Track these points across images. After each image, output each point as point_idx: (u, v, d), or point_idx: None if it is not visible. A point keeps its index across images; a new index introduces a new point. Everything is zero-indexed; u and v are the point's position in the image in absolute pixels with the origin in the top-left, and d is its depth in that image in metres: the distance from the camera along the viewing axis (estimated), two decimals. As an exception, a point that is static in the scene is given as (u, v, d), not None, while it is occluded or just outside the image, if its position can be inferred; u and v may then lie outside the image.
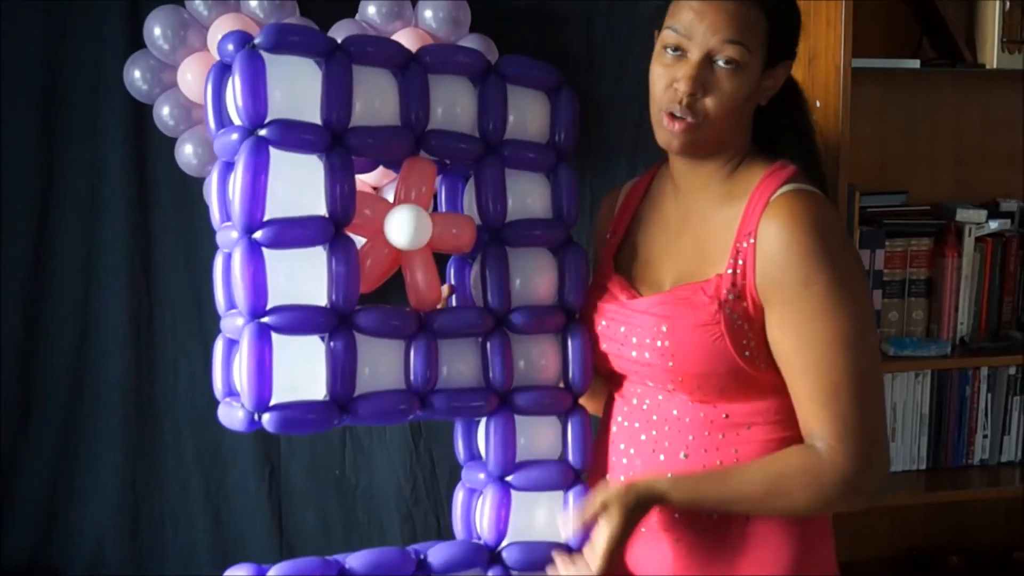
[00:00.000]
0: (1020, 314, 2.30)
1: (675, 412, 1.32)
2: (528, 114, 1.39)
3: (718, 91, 1.23)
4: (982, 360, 2.23)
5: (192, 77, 1.96)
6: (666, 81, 1.25)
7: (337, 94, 1.25)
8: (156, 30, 1.96)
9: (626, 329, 1.33)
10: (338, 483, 2.28)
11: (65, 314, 2.16)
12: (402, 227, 1.30)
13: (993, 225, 2.22)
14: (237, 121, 1.25)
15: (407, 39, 1.99)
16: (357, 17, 2.02)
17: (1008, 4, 2.11)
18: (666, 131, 1.26)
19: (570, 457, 1.40)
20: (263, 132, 1.22)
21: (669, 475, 1.28)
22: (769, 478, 1.24)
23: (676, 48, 1.24)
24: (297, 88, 1.25)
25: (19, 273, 2.13)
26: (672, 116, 1.25)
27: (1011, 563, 2.42)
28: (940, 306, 2.21)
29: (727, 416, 1.29)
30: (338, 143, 1.27)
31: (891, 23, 2.22)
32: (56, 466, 2.20)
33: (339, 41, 1.28)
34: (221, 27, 1.94)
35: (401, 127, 1.32)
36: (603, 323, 1.37)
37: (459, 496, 1.46)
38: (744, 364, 1.25)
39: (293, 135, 1.23)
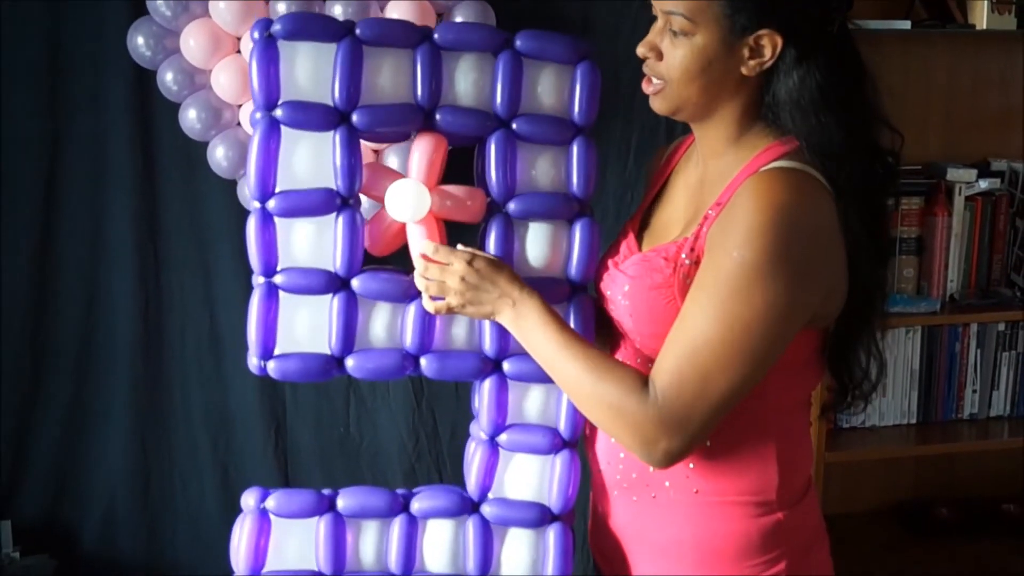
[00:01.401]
0: (1009, 272, 2.35)
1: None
2: (544, 88, 1.40)
3: (669, 57, 1.23)
4: (971, 316, 2.28)
5: (194, 43, 1.97)
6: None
7: (346, 75, 1.34)
8: None
9: (610, 287, 1.37)
10: (343, 440, 2.33)
11: (73, 279, 2.19)
12: (398, 201, 1.35)
13: (983, 184, 2.26)
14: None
15: (404, 3, 2.01)
16: None
17: (999, -35, 2.14)
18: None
19: (560, 425, 1.44)
20: (276, 113, 1.34)
21: (534, 302, 1.30)
22: (589, 371, 1.24)
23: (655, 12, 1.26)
24: (315, 71, 1.35)
25: (28, 240, 2.15)
26: (647, 79, 1.27)
27: (999, 515, 2.48)
28: (930, 264, 2.25)
29: None
30: (345, 122, 1.35)
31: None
32: (68, 427, 2.24)
33: (352, 24, 1.35)
34: None
35: (409, 104, 1.37)
36: (603, 280, 1.40)
37: (469, 448, 1.51)
38: None
39: (302, 115, 1.35)
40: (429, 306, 1.35)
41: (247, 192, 2.04)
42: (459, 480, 2.29)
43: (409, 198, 1.35)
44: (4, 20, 2.06)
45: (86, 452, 2.26)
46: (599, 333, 1.44)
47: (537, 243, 1.41)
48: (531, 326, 1.29)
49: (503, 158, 1.39)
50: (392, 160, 1.99)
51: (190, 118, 2.03)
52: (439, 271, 1.32)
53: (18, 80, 2.09)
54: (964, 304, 2.27)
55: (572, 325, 1.40)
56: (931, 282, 2.26)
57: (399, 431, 2.33)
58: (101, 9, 2.08)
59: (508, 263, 1.38)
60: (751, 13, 1.18)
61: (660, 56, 1.24)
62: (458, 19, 2.05)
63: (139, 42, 2.02)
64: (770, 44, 1.19)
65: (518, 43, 1.38)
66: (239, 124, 2.06)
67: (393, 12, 2.01)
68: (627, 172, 2.26)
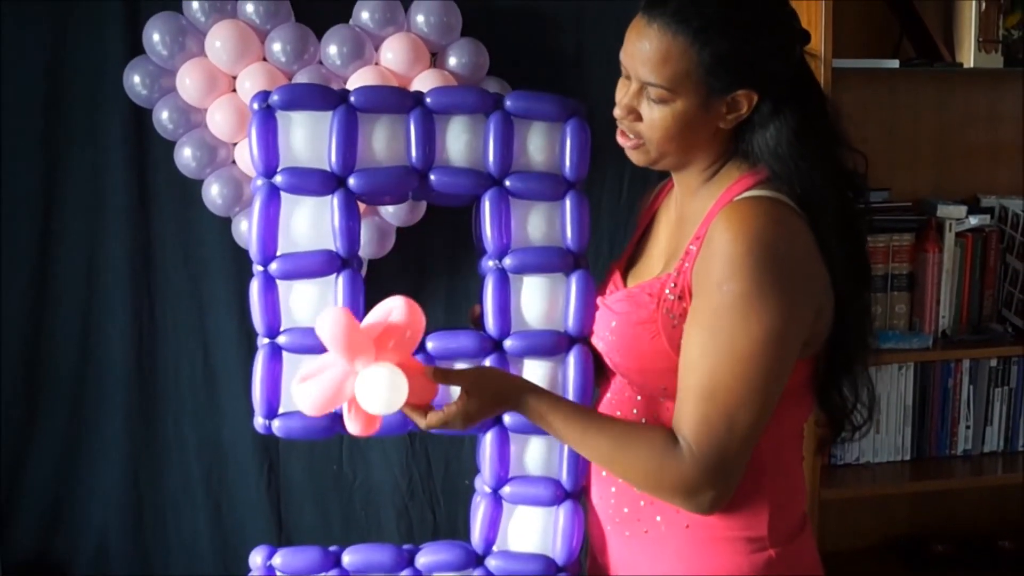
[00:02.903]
0: (1001, 307, 2.35)
1: (635, 411, 1.34)
2: (535, 146, 1.44)
3: (648, 120, 1.23)
4: (964, 352, 2.27)
5: (190, 82, 2.00)
6: (617, 99, 1.27)
7: (342, 142, 1.39)
8: (155, 36, 1.99)
9: (598, 323, 1.38)
10: (336, 478, 2.33)
11: (68, 312, 2.20)
12: (371, 395, 1.20)
13: (973, 221, 2.26)
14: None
15: (399, 45, 2.04)
16: (351, 22, 2.06)
17: (984, 4, 2.15)
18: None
19: (563, 477, 1.44)
20: (276, 180, 1.40)
21: (531, 398, 1.28)
22: (619, 444, 1.25)
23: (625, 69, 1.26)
24: (312, 138, 1.40)
25: (23, 272, 2.17)
26: (622, 132, 1.28)
27: (996, 551, 2.46)
28: (922, 300, 2.25)
29: None
30: (342, 186, 1.39)
31: (871, 24, 2.26)
32: (60, 462, 2.24)
33: (346, 93, 1.40)
34: (218, 32, 1.98)
35: (404, 167, 1.41)
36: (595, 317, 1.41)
37: (474, 501, 1.52)
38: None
39: (301, 181, 1.40)
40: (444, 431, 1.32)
41: (242, 230, 2.07)
42: (452, 518, 2.34)
43: (384, 389, 1.20)
44: (5, 55, 2.09)
45: (79, 485, 2.26)
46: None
47: (534, 297, 1.44)
48: (543, 418, 1.29)
49: (497, 215, 1.42)
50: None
51: (185, 156, 2.06)
52: (440, 424, 1.28)
53: (16, 115, 2.12)
54: (956, 340, 2.27)
55: (572, 376, 1.42)
56: (923, 318, 2.26)
57: (392, 469, 2.33)
58: (99, 47, 2.11)
59: (506, 318, 1.42)
60: (729, 77, 1.20)
61: (639, 117, 1.25)
62: (452, 59, 2.08)
63: (135, 80, 2.04)
64: (746, 100, 1.22)
65: (508, 103, 1.42)
66: (234, 162, 2.08)
67: (388, 52, 2.04)
68: (620, 210, 2.28)
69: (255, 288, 1.41)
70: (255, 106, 1.40)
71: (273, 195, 1.39)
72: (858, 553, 2.48)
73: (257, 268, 1.41)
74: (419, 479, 2.33)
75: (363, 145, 1.41)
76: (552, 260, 1.43)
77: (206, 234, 2.18)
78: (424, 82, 2.03)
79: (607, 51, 2.25)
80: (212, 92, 2.02)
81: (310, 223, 1.41)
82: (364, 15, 2.05)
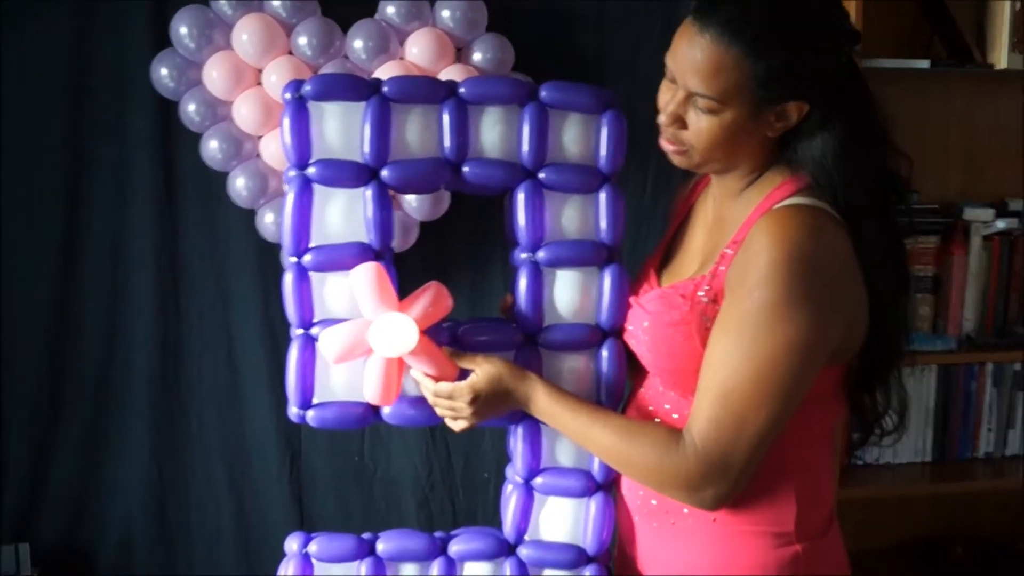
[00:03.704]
0: (1026, 311, 2.35)
1: (667, 407, 1.35)
2: (570, 138, 1.43)
3: (695, 128, 1.23)
4: (987, 356, 2.28)
5: (217, 75, 2.01)
6: (661, 104, 1.27)
7: (375, 133, 1.37)
8: (182, 29, 2.00)
9: (631, 322, 1.39)
10: (357, 469, 2.34)
11: (94, 305, 2.21)
12: (386, 339, 1.31)
13: (1000, 224, 2.26)
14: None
15: (424, 39, 2.04)
16: (376, 16, 2.07)
17: (1019, 5, 2.14)
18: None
19: (594, 469, 1.45)
20: (309, 171, 1.39)
21: (540, 390, 1.33)
22: (623, 440, 1.28)
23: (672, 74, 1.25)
24: (345, 129, 1.39)
25: (49, 266, 2.18)
26: (667, 139, 1.28)
27: (1016, 554, 2.48)
28: (947, 302, 2.26)
29: None
30: (375, 178, 1.39)
31: (902, 23, 2.26)
32: (86, 454, 2.26)
33: (379, 83, 1.38)
34: (245, 26, 1.99)
35: (437, 159, 1.40)
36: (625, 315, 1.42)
37: (505, 491, 1.53)
38: None
39: (334, 173, 1.39)
40: (453, 426, 1.38)
41: (267, 222, 2.08)
42: (472, 510, 2.35)
43: (394, 332, 1.31)
44: (33, 48, 2.09)
45: (104, 477, 2.28)
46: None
47: (567, 290, 1.43)
48: (549, 415, 1.34)
49: (531, 208, 1.41)
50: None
51: (211, 148, 2.06)
52: (448, 408, 1.35)
53: (42, 108, 2.12)
54: (980, 343, 2.27)
55: (604, 369, 1.44)
56: (947, 321, 2.26)
57: (413, 461, 2.35)
58: (126, 40, 2.11)
59: (538, 311, 1.42)
60: (781, 89, 1.19)
61: (684, 125, 1.24)
62: (476, 54, 2.08)
63: (163, 73, 2.05)
64: (796, 111, 1.21)
65: (543, 94, 1.40)
66: (259, 155, 2.09)
67: (413, 47, 2.04)
68: (644, 207, 2.27)
69: (288, 280, 1.40)
70: (287, 96, 1.38)
71: (306, 187, 1.38)
72: (878, 554, 2.49)
73: (291, 260, 1.40)
74: (439, 471, 2.35)
75: (396, 136, 1.39)
76: (586, 253, 1.42)
77: (231, 228, 2.19)
78: (449, 77, 2.03)
79: (631, 50, 2.28)
80: (239, 85, 2.02)
81: (343, 215, 1.40)
82: (390, 10, 2.05)
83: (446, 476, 2.36)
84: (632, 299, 1.41)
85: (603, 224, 1.42)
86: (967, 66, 2.17)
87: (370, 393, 1.36)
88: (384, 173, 1.38)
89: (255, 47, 2.00)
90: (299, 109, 1.37)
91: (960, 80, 2.34)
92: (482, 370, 1.34)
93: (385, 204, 1.39)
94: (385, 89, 1.38)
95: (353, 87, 1.39)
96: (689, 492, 1.24)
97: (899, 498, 2.48)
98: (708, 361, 1.23)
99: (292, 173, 1.39)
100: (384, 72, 2.01)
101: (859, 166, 1.22)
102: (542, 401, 1.34)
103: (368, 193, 1.38)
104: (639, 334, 1.36)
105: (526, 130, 1.40)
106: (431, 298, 1.34)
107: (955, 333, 2.26)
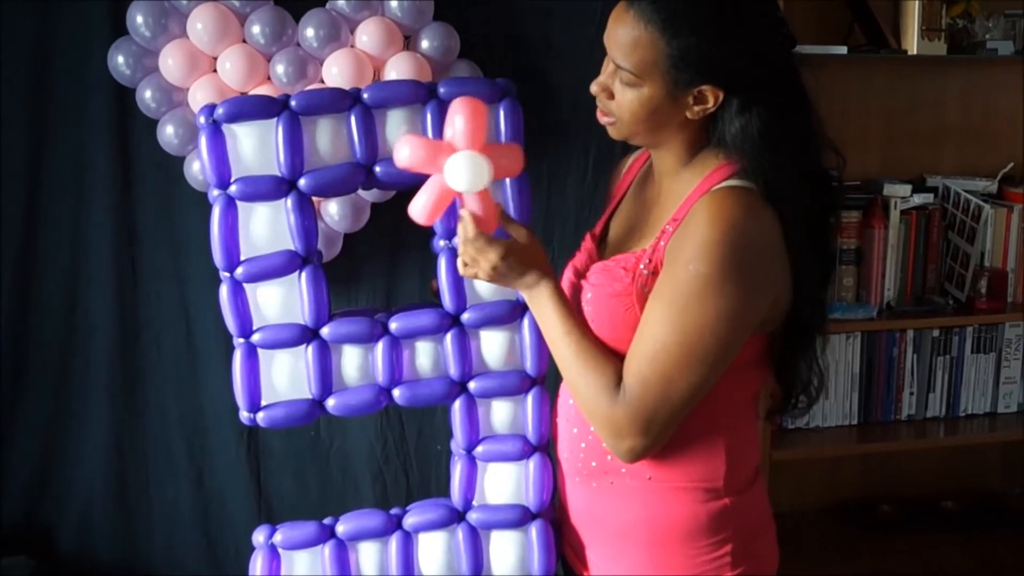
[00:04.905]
0: (943, 281, 2.48)
1: None
2: None
3: (619, 100, 1.32)
4: (907, 323, 2.40)
5: (173, 62, 2.05)
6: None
7: (288, 146, 1.45)
8: (138, 18, 2.03)
9: (573, 292, 1.46)
10: (313, 444, 2.40)
11: (54, 286, 2.25)
12: (462, 173, 1.32)
13: (917, 199, 2.39)
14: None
15: (373, 28, 2.11)
16: (327, 6, 2.11)
17: (927, -5, 2.28)
18: None
19: (528, 432, 1.55)
20: (231, 190, 1.46)
21: (550, 283, 1.39)
22: (580, 362, 1.35)
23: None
24: (260, 146, 1.46)
25: (11, 248, 2.21)
26: (599, 109, 1.37)
27: (939, 511, 2.61)
28: (868, 273, 2.38)
29: None
30: (294, 188, 1.47)
31: (824, 12, 2.37)
32: (47, 431, 2.30)
33: (287, 99, 1.46)
34: (199, 15, 2.03)
35: (350, 163, 1.48)
36: (564, 282, 1.49)
37: (453, 464, 1.62)
38: None
39: (254, 188, 1.47)
40: (463, 271, 1.41)
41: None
42: (425, 481, 2.43)
43: (470, 170, 1.32)
44: (-5, 36, 2.13)
45: (64, 455, 2.31)
46: None
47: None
48: (540, 310, 1.40)
49: None
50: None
51: (168, 134, 2.10)
52: (475, 253, 1.38)
53: (5, 96, 2.15)
54: (900, 311, 2.39)
55: (527, 338, 1.51)
56: (869, 290, 2.39)
57: (368, 435, 2.41)
58: (84, 29, 2.15)
59: (461, 293, 1.50)
60: (692, 72, 1.27)
61: (611, 96, 1.33)
62: (424, 42, 2.15)
63: (119, 61, 2.08)
64: (712, 96, 1.29)
65: (442, 91, 1.49)
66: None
67: (363, 35, 2.11)
68: (586, 184, 2.35)
69: (224, 293, 1.48)
70: (202, 120, 1.45)
71: (230, 205, 1.46)
72: (809, 514, 2.61)
73: (224, 275, 1.48)
74: (393, 444, 2.41)
75: (309, 147, 1.46)
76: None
77: (188, 210, 2.23)
78: (397, 64, 2.10)
79: (575, 36, 2.36)
80: (194, 72, 2.07)
81: (268, 226, 1.48)
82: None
83: (400, 449, 2.42)
84: (573, 273, 1.48)
85: (512, 206, 1.51)
86: (882, 52, 2.29)
87: (417, 210, 1.36)
88: (302, 182, 1.46)
89: (209, 35, 2.04)
90: (215, 132, 1.45)
91: (878, 64, 2.46)
92: (521, 238, 1.39)
93: (306, 212, 1.47)
94: (293, 104, 1.46)
95: (262, 106, 1.46)
96: (611, 435, 1.33)
97: (829, 460, 2.59)
98: (642, 324, 1.30)
99: (216, 193, 1.47)
100: (335, 60, 2.08)
101: (781, 156, 1.28)
102: (545, 293, 1.39)
103: (289, 203, 1.46)
104: (582, 307, 1.42)
105: (429, 127, 1.48)
106: (507, 154, 1.38)
107: (877, 302, 2.38)
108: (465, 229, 1.37)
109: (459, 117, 1.33)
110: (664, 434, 1.32)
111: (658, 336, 1.27)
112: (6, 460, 2.29)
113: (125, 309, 2.28)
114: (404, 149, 1.34)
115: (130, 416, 2.33)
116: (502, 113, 1.50)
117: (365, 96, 1.49)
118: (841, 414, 2.43)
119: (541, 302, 1.40)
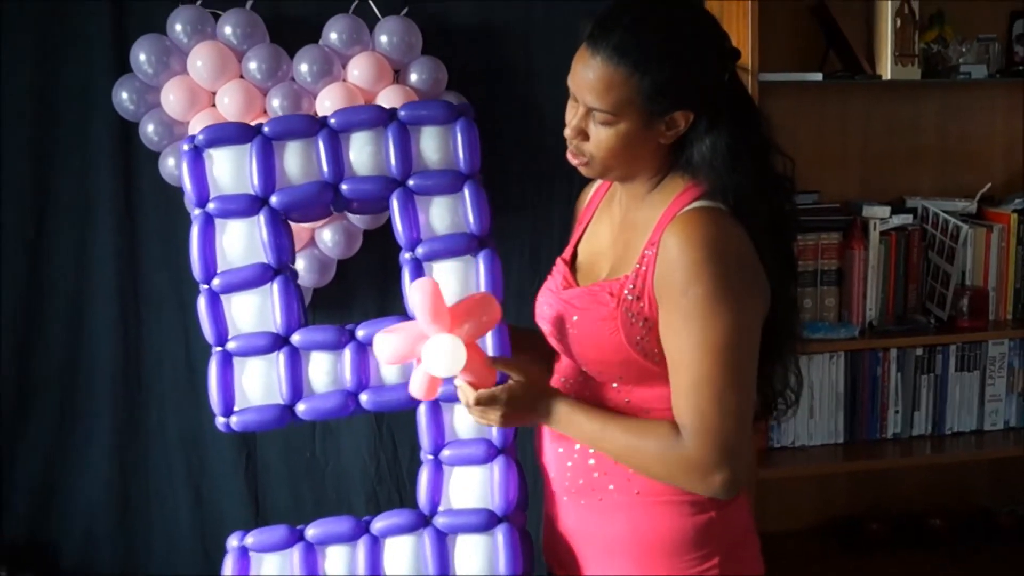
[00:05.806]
0: (924, 300, 2.51)
1: (587, 394, 1.48)
2: (429, 147, 1.61)
3: (595, 140, 1.36)
4: (890, 342, 2.42)
5: (174, 98, 2.15)
6: (567, 120, 1.39)
7: (261, 167, 1.56)
8: (141, 56, 2.14)
9: (553, 314, 1.51)
10: (309, 464, 2.46)
11: (59, 311, 2.34)
12: (439, 363, 1.38)
13: (896, 220, 2.43)
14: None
15: (364, 63, 2.20)
16: (320, 42, 2.22)
17: (899, 22, 2.33)
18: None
19: (493, 436, 1.60)
20: (209, 207, 1.57)
21: (562, 400, 1.43)
22: (631, 443, 1.39)
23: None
24: (236, 168, 1.58)
25: (18, 273, 2.31)
26: (571, 152, 1.40)
27: (928, 529, 2.61)
28: (850, 293, 2.41)
29: (628, 401, 1.44)
30: (266, 205, 1.57)
31: (799, 39, 2.43)
32: (51, 450, 2.37)
33: (261, 126, 1.57)
34: (199, 52, 2.14)
35: (318, 182, 1.58)
36: (543, 306, 1.54)
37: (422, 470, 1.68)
38: (638, 356, 1.38)
39: (230, 206, 1.57)
40: (481, 421, 1.47)
41: (169, 165, 2.15)
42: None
43: (445, 358, 1.38)
44: (4, 73, 2.23)
45: (67, 473, 2.39)
46: (541, 359, 1.60)
47: (448, 280, 1.59)
48: (568, 428, 1.44)
49: (405, 212, 1.58)
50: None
51: (169, 166, 2.20)
52: (481, 414, 1.44)
53: (11, 130, 2.26)
54: (882, 330, 2.42)
55: (493, 338, 1.55)
56: (851, 310, 2.42)
57: (362, 455, 2.47)
58: (88, 66, 2.26)
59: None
60: (667, 101, 1.33)
61: (586, 137, 1.37)
62: (413, 75, 2.24)
63: (123, 96, 2.19)
64: (684, 119, 1.35)
65: (401, 114, 1.60)
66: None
67: (354, 70, 2.21)
68: (571, 207, 2.42)
69: (202, 304, 1.57)
70: (185, 147, 1.56)
71: (208, 222, 1.57)
72: (797, 534, 2.62)
73: (202, 287, 1.57)
74: (386, 464, 2.47)
75: (280, 168, 1.57)
76: (459, 245, 1.58)
77: (187, 239, 2.29)
78: (388, 97, 2.19)
79: (554, 64, 2.41)
80: (194, 107, 2.17)
81: (243, 241, 1.57)
82: (332, 35, 2.21)
83: (393, 469, 2.48)
84: (552, 292, 1.53)
85: (471, 218, 1.58)
86: (857, 77, 2.34)
87: (415, 391, 1.45)
88: (273, 200, 1.56)
89: (209, 72, 2.14)
90: (195, 157, 1.57)
91: (854, 90, 2.51)
92: (517, 375, 1.43)
93: (277, 227, 1.57)
94: (266, 130, 1.57)
95: (238, 132, 1.58)
96: (702, 483, 1.34)
97: (817, 479, 2.60)
98: (671, 362, 1.34)
99: (196, 211, 1.57)
100: (328, 94, 2.17)
101: (746, 166, 1.34)
102: (563, 412, 1.42)
103: (261, 219, 1.56)
104: (567, 328, 1.47)
105: (391, 147, 1.58)
106: (480, 313, 1.41)
107: (859, 322, 2.41)
108: (465, 397, 1.43)
109: (417, 306, 1.38)
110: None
111: (691, 366, 1.32)
112: (10, 478, 2.36)
113: (127, 331, 2.37)
114: (383, 350, 1.43)
115: (132, 436, 2.41)
116: (458, 131, 1.59)
117: (332, 121, 1.59)
118: (827, 432, 2.44)
119: (563, 422, 1.44)
